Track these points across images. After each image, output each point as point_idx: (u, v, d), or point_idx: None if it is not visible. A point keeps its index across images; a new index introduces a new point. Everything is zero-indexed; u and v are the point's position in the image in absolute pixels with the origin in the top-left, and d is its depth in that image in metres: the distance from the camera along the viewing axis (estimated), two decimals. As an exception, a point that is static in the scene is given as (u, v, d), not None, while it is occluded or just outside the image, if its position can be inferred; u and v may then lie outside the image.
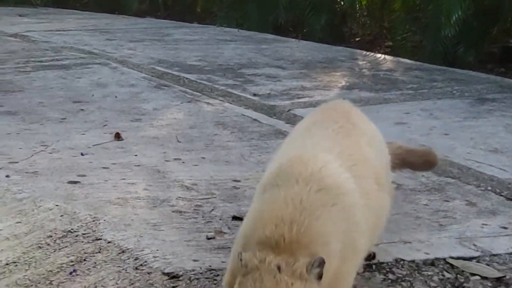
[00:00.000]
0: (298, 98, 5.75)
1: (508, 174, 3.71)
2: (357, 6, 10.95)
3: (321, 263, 1.50)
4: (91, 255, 2.47)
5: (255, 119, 4.97)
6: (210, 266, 2.37)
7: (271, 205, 1.65)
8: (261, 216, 1.64)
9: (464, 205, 3.20)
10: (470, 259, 2.60)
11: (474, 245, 2.73)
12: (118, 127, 4.48)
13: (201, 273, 2.29)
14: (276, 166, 1.85)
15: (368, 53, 8.51)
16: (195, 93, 5.88)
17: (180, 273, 2.29)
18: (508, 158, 4.03)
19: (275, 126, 4.77)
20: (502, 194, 3.40)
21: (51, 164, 3.62)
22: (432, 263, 2.55)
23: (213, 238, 2.63)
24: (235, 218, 2.85)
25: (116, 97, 5.51)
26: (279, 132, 4.59)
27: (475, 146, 4.30)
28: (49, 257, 2.46)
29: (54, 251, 2.51)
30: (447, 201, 3.27)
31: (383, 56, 8.32)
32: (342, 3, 11.22)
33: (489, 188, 3.48)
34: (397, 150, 2.69)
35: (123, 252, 2.47)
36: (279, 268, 1.47)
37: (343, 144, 1.98)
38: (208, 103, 5.46)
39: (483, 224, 2.95)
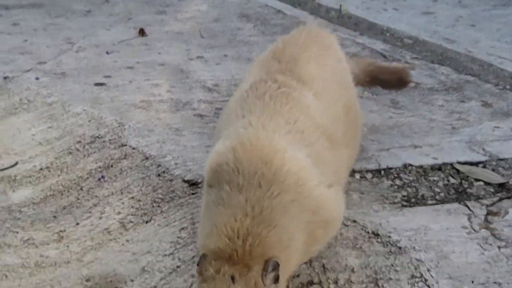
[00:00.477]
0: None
1: (530, 70, 3.70)
2: None
3: (275, 266, 1.49)
4: (117, 161, 2.64)
5: (279, 10, 4.94)
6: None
7: (228, 214, 1.55)
8: (217, 224, 1.56)
9: (479, 106, 3.25)
10: (477, 164, 2.69)
11: (483, 149, 2.81)
12: (143, 20, 4.52)
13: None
14: (231, 156, 1.67)
15: None
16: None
17: (199, 180, 2.46)
18: (533, 52, 3.99)
19: (299, 17, 4.75)
20: (520, 93, 3.42)
21: (77, 64, 3.74)
22: (440, 168, 2.66)
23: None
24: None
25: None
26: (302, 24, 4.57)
27: (501, 38, 4.24)
28: (79, 163, 2.64)
29: (84, 156, 2.69)
30: (463, 101, 3.31)
31: None
32: None
33: (508, 86, 3.50)
34: (368, 67, 2.67)
35: (146, 158, 2.64)
36: (233, 278, 1.46)
37: (285, 112, 1.83)
38: (232, -7, 5.41)
39: (495, 127, 3.02)
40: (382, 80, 2.74)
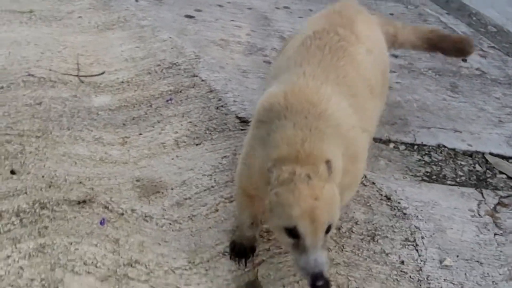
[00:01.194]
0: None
1: None
2: None
3: (330, 165, 1.76)
4: (186, 88, 3.02)
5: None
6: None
7: (282, 133, 1.82)
8: (275, 141, 1.82)
9: (535, 106, 3.36)
10: (508, 158, 2.87)
11: (520, 146, 2.97)
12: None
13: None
14: (282, 98, 1.93)
15: None
16: None
17: (250, 119, 2.80)
18: None
19: (393, -14, 4.87)
20: None
21: (175, -5, 4.11)
22: (471, 154, 2.86)
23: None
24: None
25: None
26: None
27: None
28: (154, 83, 3.04)
29: (159, 78, 3.08)
30: (521, 98, 3.43)
31: None
32: None
33: None
34: (427, 34, 2.81)
35: (211, 91, 3.00)
36: (309, 176, 1.71)
37: (338, 67, 2.11)
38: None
39: (541, 128, 3.15)
40: (442, 48, 2.85)
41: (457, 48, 2.85)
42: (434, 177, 2.67)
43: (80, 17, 3.61)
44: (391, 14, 4.32)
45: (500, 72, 3.69)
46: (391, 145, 2.84)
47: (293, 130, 1.83)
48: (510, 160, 2.86)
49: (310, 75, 2.03)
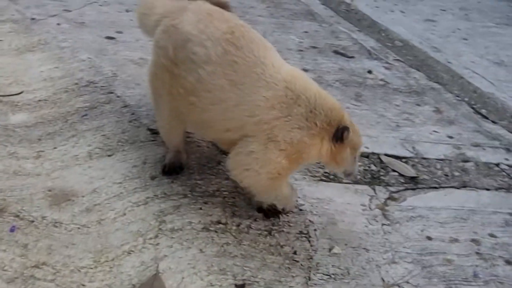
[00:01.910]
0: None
1: (494, 88, 4.06)
2: None
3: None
4: (102, 104, 3.18)
5: (295, -4, 5.35)
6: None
7: None
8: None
9: (430, 111, 3.66)
10: (401, 158, 3.13)
11: (413, 147, 3.24)
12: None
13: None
14: None
15: None
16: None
17: (160, 130, 2.99)
18: (507, 73, 4.34)
19: (310, 6, 5.17)
20: (474, 106, 3.80)
21: (97, 17, 4.28)
22: (367, 156, 3.11)
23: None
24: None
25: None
26: (309, 13, 5.00)
27: (484, 56, 4.59)
28: (70, 101, 3.19)
29: (76, 96, 3.24)
30: (419, 105, 3.72)
31: None
32: None
33: (466, 99, 3.88)
34: None
35: (125, 106, 3.17)
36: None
37: None
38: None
39: (433, 131, 3.43)
40: None
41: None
42: (331, 177, 2.89)
43: (1, 40, 3.73)
44: (306, 32, 4.59)
45: (402, 82, 3.98)
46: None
47: None
48: (403, 160, 3.12)
49: None
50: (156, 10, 2.69)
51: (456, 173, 3.08)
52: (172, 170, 2.70)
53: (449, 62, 4.36)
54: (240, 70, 2.27)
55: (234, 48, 2.29)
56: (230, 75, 2.27)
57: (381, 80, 3.99)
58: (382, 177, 2.96)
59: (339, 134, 2.30)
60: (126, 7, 4.54)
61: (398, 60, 4.33)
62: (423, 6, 5.52)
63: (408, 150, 3.21)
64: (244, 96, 2.26)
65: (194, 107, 2.35)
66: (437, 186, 2.95)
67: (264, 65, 2.28)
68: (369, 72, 4.05)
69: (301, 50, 4.28)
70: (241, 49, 2.30)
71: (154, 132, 2.97)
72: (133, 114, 3.11)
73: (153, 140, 2.92)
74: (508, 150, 3.34)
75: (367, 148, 3.16)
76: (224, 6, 2.64)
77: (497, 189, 3.00)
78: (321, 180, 2.86)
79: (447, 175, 3.05)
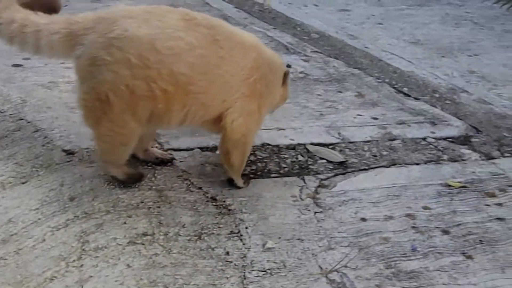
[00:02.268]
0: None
1: (413, 67, 4.10)
2: None
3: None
4: (12, 132, 3.02)
5: (206, 3, 5.31)
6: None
7: None
8: None
9: (353, 96, 3.65)
10: (328, 145, 3.09)
11: (339, 133, 3.22)
12: (79, 8, 4.86)
13: (93, 150, 2.83)
14: None
15: None
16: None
17: (76, 150, 2.85)
18: (424, 51, 4.40)
19: (223, 10, 5.12)
20: (395, 86, 3.82)
21: (2, 46, 4.09)
22: (294, 147, 3.06)
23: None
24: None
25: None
26: (223, 17, 4.95)
27: (400, 37, 4.64)
28: (-22, 133, 3.02)
29: (-16, 128, 3.06)
30: (341, 91, 3.71)
31: None
32: None
33: (387, 80, 3.90)
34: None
35: (37, 131, 3.02)
36: None
37: None
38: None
39: (358, 114, 3.42)
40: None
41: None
42: (259, 173, 2.82)
43: None
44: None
45: (322, 72, 3.97)
46: (217, 151, 2.98)
47: None
48: (330, 147, 3.08)
49: None
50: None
51: (384, 153, 3.06)
52: (134, 180, 2.66)
53: (366, 48, 4.38)
54: (224, 45, 2.46)
55: (205, 28, 2.44)
56: (218, 52, 2.45)
57: (301, 72, 3.96)
58: (310, 167, 2.91)
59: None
60: (33, 33, 4.36)
61: (316, 51, 4.33)
62: (336, -2, 5.56)
63: (334, 136, 3.19)
64: (237, 65, 2.49)
65: (193, 95, 2.44)
66: (366, 167, 2.93)
67: (234, 34, 2.56)
68: (288, 66, 4.02)
69: (219, 54, 4.20)
70: (211, 28, 2.46)
71: (70, 152, 2.84)
72: (45, 137, 2.96)
73: (69, 161, 2.79)
74: (433, 123, 3.36)
75: (292, 140, 3.11)
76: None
77: (426, 162, 3.00)
78: (249, 177, 2.79)
79: (375, 156, 3.03)
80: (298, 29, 4.76)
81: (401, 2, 5.49)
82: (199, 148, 2.98)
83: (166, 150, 2.94)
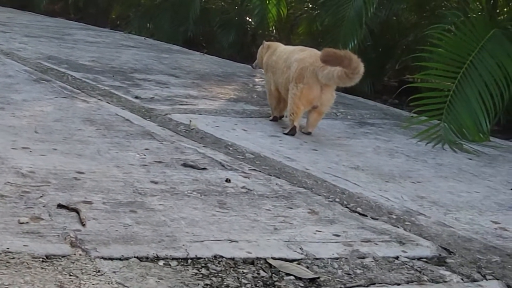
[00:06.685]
0: (181, 104, 5.68)
1: (361, 189, 3.76)
2: (267, 26, 11.04)
3: None
4: None
5: (127, 119, 4.84)
6: (7, 248, 2.22)
7: None
8: None
9: (306, 213, 3.20)
10: (292, 260, 2.56)
11: (301, 248, 2.71)
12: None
13: (-5, 254, 2.14)
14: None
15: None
16: (74, 90, 5.71)
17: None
18: (367, 175, 4.10)
19: (146, 127, 4.67)
20: (348, 206, 3.43)
21: None
22: (252, 262, 2.50)
23: (26, 223, 2.48)
24: (60, 206, 2.72)
25: (-15, 85, 5.24)
26: (147, 133, 4.49)
27: (339, 162, 4.35)
28: None
29: None
30: (291, 208, 3.26)
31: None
32: (252, 22, 11.34)
33: (337, 199, 3.51)
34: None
35: None
36: None
37: None
38: (84, 101, 5.30)
39: (317, 230, 2.95)
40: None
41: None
42: (210, 293, 2.22)
43: None
44: (146, 149, 4.03)
45: (266, 188, 3.53)
46: (161, 263, 2.37)
47: None
48: (294, 262, 2.55)
49: None
50: None
51: (358, 271, 2.57)
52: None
53: (307, 169, 4.03)
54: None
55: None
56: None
57: (243, 188, 3.50)
58: (277, 283, 2.35)
59: None
60: None
61: (254, 169, 3.91)
62: (264, 125, 5.29)
63: (296, 251, 2.67)
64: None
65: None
66: (342, 286, 2.40)
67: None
68: (227, 181, 3.56)
69: (145, 165, 3.68)
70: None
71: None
72: None
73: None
74: (401, 242, 2.95)
75: (249, 253, 2.56)
76: None
77: (408, 282, 2.53)
78: (203, 294, 2.17)
79: (349, 274, 2.53)
80: (231, 148, 4.37)
81: (331, 134, 5.31)
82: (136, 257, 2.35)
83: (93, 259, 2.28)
